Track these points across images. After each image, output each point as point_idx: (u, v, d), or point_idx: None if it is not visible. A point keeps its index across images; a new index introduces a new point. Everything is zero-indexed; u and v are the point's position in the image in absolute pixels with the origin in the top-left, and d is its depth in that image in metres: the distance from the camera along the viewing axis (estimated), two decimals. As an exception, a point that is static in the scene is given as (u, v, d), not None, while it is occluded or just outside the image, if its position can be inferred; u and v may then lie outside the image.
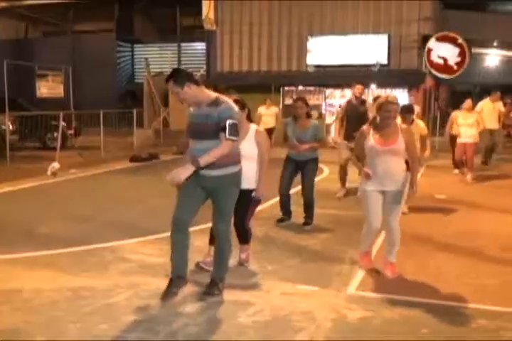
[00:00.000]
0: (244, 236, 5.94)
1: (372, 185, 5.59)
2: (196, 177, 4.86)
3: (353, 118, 9.75)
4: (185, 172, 4.72)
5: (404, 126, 5.87)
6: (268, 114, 16.47)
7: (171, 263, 5.13)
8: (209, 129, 4.78)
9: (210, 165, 4.80)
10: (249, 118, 5.87)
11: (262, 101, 16.70)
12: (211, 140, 4.79)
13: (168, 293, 5.00)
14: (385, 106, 5.42)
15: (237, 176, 4.99)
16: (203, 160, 4.71)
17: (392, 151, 5.47)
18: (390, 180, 5.53)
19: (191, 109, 5.03)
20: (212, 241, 5.77)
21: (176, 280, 5.06)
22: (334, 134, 10.36)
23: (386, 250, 5.81)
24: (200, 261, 5.89)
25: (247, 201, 5.68)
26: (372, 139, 5.51)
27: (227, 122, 4.71)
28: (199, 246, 6.34)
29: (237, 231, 5.86)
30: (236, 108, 4.91)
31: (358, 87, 10.16)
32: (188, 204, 5.02)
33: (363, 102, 10.18)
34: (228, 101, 4.89)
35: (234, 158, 4.93)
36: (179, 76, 4.82)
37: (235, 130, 4.76)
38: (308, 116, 7.86)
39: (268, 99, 17.23)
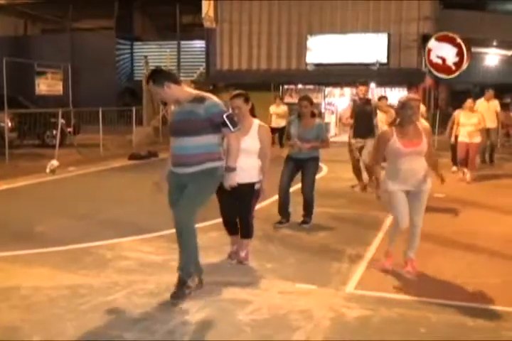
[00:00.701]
0: (246, 230, 5.94)
1: (396, 184, 5.56)
2: (175, 178, 5.00)
3: (361, 117, 9.93)
4: (233, 178, 5.01)
5: (425, 125, 5.85)
6: (278, 112, 16.50)
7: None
8: (191, 126, 4.82)
9: (187, 164, 4.86)
10: (253, 113, 5.90)
11: (261, 99, 16.63)
12: (191, 136, 4.83)
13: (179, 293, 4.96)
14: (408, 104, 5.41)
15: (214, 170, 4.93)
16: (231, 162, 4.94)
17: (416, 152, 5.45)
18: (413, 180, 5.50)
19: (173, 107, 5.12)
20: (232, 232, 5.98)
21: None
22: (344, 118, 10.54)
23: (407, 247, 5.76)
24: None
25: (250, 194, 5.72)
26: (397, 140, 5.47)
27: (224, 116, 4.79)
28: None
29: (240, 225, 5.88)
30: (220, 102, 4.93)
31: (361, 89, 10.28)
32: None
33: (368, 101, 10.29)
34: (211, 96, 4.94)
35: (212, 156, 4.92)
36: (158, 76, 4.90)
37: (234, 120, 4.89)
38: (313, 115, 7.87)
39: (278, 97, 17.25)
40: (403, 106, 5.44)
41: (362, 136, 10.14)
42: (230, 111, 5.25)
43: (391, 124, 5.61)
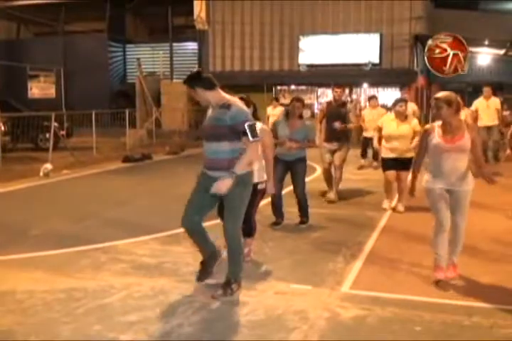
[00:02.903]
0: (250, 228, 6.02)
1: (438, 183, 5.48)
2: (205, 179, 5.09)
3: (333, 120, 9.57)
4: (225, 184, 4.87)
5: (470, 122, 5.81)
6: (275, 114, 16.49)
7: (199, 250, 5.50)
8: (217, 131, 4.92)
9: (216, 168, 4.97)
10: (256, 116, 5.95)
11: (254, 101, 16.61)
12: (218, 142, 4.93)
13: (204, 274, 5.40)
14: (433, 103, 5.44)
15: (245, 177, 5.00)
16: (237, 169, 4.89)
17: (458, 148, 5.37)
18: (456, 179, 5.42)
19: (209, 111, 5.18)
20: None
21: (208, 260, 5.41)
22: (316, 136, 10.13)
23: (449, 250, 5.63)
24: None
25: (254, 195, 5.73)
26: (437, 137, 5.45)
27: (246, 125, 4.83)
28: (192, 247, 6.34)
29: (244, 224, 5.89)
30: (246, 109, 5.03)
31: (336, 90, 9.83)
32: (195, 205, 5.21)
33: (344, 104, 9.90)
34: (238, 104, 5.00)
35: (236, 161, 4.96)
36: (191, 80, 5.02)
37: (255, 130, 4.91)
38: (301, 116, 7.88)
39: (274, 99, 17.26)
40: (433, 105, 5.51)
41: (336, 140, 9.64)
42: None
43: (433, 120, 5.62)
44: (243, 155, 4.92)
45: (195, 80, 5.00)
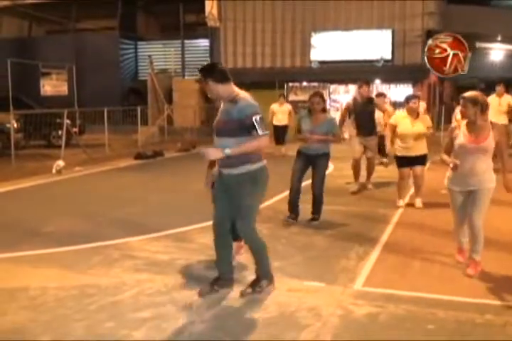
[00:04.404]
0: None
1: (456, 184, 5.58)
2: (221, 179, 5.03)
3: (362, 116, 9.94)
4: (214, 153, 4.74)
5: (496, 123, 5.74)
6: (281, 111, 16.42)
7: (216, 265, 5.28)
8: (227, 126, 4.84)
9: (231, 164, 4.87)
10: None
11: (266, 97, 16.61)
12: (229, 137, 4.83)
13: (209, 289, 5.11)
14: (461, 102, 5.44)
15: (255, 173, 4.92)
16: (233, 150, 4.71)
17: (480, 149, 5.38)
18: (474, 180, 5.46)
19: (222, 105, 5.10)
20: None
21: (221, 281, 5.18)
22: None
23: (470, 249, 5.68)
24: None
25: None
26: (462, 136, 5.44)
27: (254, 119, 4.74)
28: (204, 244, 6.36)
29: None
30: (255, 103, 4.91)
31: (365, 88, 10.10)
32: (221, 209, 5.09)
33: (371, 100, 10.22)
34: (247, 97, 4.90)
35: (251, 158, 4.88)
36: (204, 71, 4.93)
37: (264, 124, 4.83)
38: (324, 110, 7.87)
39: (282, 96, 17.17)
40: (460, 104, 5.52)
41: (364, 135, 10.13)
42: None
43: (462, 119, 5.61)
44: (247, 142, 4.77)
45: (208, 72, 4.91)
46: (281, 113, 16.35)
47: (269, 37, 24.70)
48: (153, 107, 24.40)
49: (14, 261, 6.09)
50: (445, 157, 5.67)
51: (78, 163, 13.97)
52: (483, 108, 5.36)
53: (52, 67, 20.03)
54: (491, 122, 5.47)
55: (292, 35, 24.47)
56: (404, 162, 8.72)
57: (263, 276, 5.14)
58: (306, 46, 24.07)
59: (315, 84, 23.88)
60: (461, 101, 5.44)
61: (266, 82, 22.17)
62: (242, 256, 5.98)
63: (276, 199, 8.85)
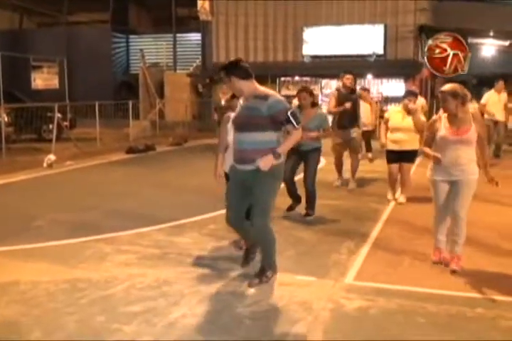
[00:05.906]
0: None
1: (439, 174, 5.57)
2: (235, 174, 5.11)
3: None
4: (270, 161, 4.83)
5: (477, 114, 5.77)
6: None
7: (243, 239, 5.81)
8: (252, 121, 4.91)
9: (246, 159, 4.94)
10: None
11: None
12: (252, 132, 4.91)
13: (247, 259, 5.63)
14: (440, 96, 5.45)
15: (275, 169, 4.94)
16: (282, 150, 4.92)
17: (463, 141, 5.40)
18: (457, 170, 5.47)
19: (241, 101, 5.18)
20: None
21: (251, 247, 5.65)
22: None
23: (451, 241, 5.70)
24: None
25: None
26: (443, 128, 5.46)
27: (289, 113, 4.85)
28: (196, 238, 6.36)
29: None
30: (283, 99, 5.04)
31: (348, 77, 9.98)
32: (235, 203, 5.18)
33: (353, 91, 10.16)
34: (275, 94, 5.05)
35: (268, 152, 4.88)
36: (227, 68, 5.04)
37: (298, 117, 4.95)
38: (314, 105, 7.87)
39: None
40: (439, 98, 5.52)
41: (346, 127, 9.91)
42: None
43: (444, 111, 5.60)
44: (288, 138, 4.95)
45: (232, 69, 5.00)
46: None
47: (261, 31, 24.63)
48: (144, 101, 24.36)
49: (5, 255, 6.07)
50: (427, 150, 5.68)
51: (69, 157, 13.93)
52: (464, 100, 5.40)
53: (44, 60, 19.91)
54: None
55: (284, 30, 24.40)
56: (393, 156, 8.72)
57: (268, 267, 5.23)
58: (299, 41, 24.01)
59: (307, 78, 23.85)
60: (440, 95, 5.44)
61: (258, 77, 21.96)
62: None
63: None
